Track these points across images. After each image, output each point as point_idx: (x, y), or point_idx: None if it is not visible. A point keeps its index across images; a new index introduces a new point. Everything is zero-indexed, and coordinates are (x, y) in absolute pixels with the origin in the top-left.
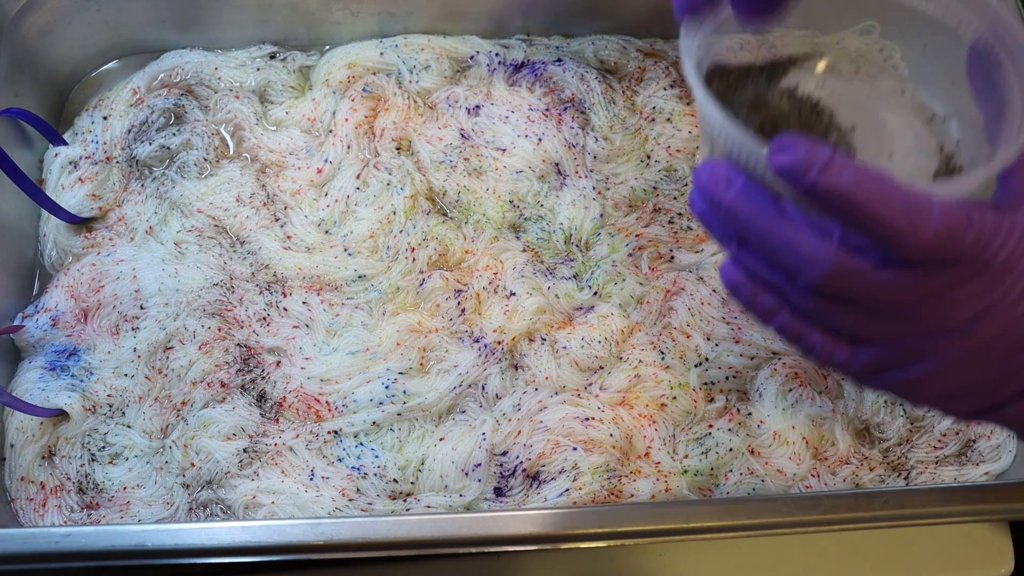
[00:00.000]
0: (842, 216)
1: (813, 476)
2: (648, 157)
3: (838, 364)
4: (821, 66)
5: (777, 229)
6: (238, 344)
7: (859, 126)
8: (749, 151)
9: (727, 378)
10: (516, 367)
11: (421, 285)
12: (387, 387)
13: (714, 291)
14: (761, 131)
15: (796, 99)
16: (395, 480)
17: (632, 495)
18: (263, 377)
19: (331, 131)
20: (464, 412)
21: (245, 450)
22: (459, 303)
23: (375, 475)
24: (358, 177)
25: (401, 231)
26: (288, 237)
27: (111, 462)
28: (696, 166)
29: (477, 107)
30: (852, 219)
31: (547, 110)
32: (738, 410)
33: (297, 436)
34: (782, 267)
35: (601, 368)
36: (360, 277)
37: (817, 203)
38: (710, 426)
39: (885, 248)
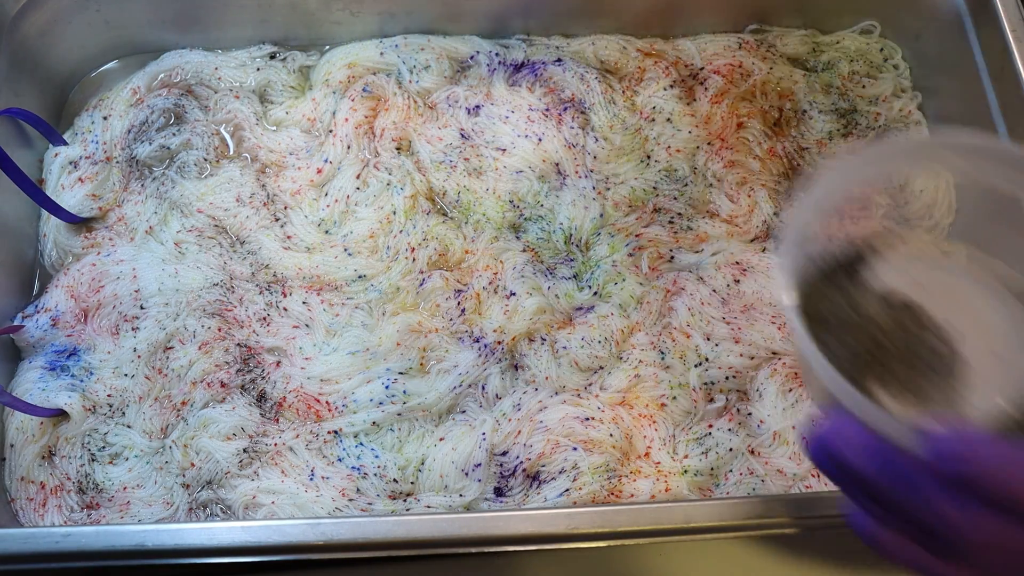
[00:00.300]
0: (998, 502)
1: (813, 476)
2: (648, 157)
3: None
4: (899, 252)
5: (921, 501)
6: (238, 344)
7: (952, 317)
8: (889, 427)
9: (727, 378)
10: (516, 367)
11: (421, 285)
12: (387, 387)
13: (714, 291)
14: (865, 353)
15: (888, 304)
16: (395, 480)
17: (632, 495)
18: (263, 377)
19: (331, 131)
20: (464, 412)
21: (245, 450)
22: (459, 303)
23: (375, 475)
24: (358, 177)
25: (401, 231)
26: (288, 237)
27: (111, 462)
28: (815, 422)
29: (477, 107)
30: (1010, 504)
31: (547, 110)
32: (738, 410)
33: (297, 436)
34: (924, 525)
35: (601, 368)
36: (360, 277)
37: (972, 492)
38: (710, 426)
39: None
